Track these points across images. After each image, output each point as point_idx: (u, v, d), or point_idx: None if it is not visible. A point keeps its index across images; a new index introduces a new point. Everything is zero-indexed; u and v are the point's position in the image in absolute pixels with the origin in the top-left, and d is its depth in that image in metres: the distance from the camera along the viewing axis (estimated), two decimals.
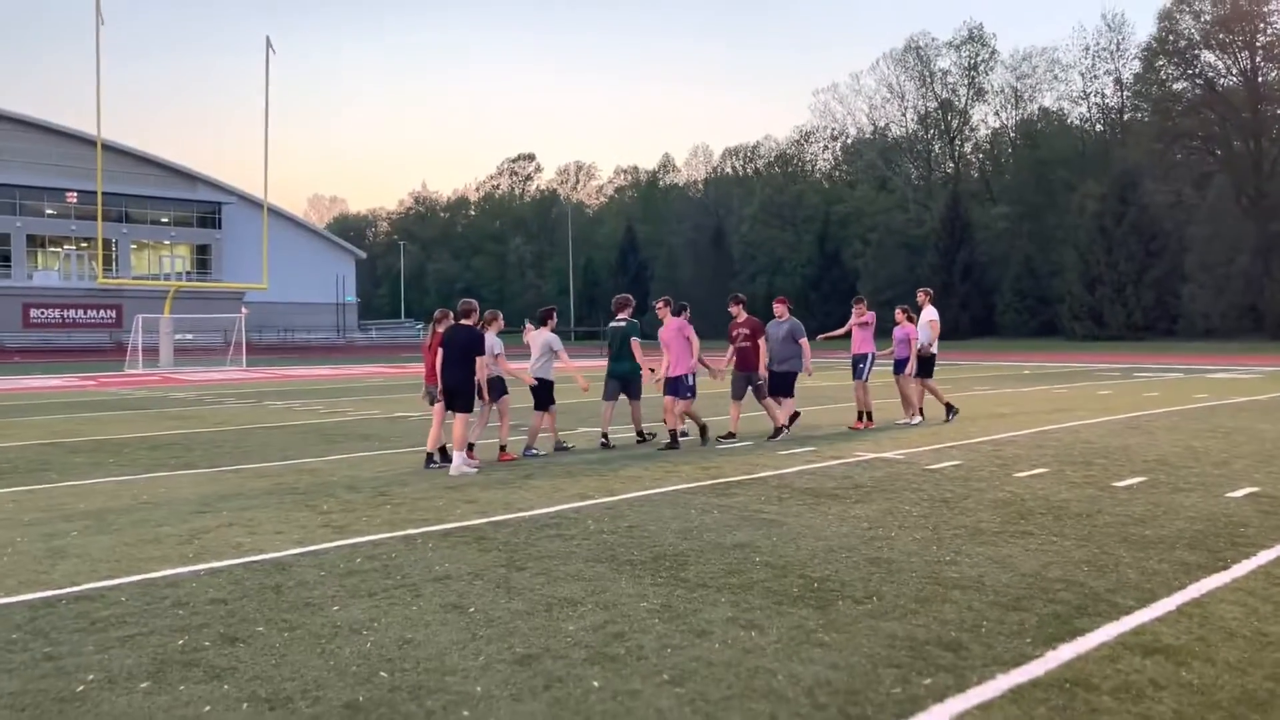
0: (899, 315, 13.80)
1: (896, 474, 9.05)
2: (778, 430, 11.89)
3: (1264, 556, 5.79)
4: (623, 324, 11.59)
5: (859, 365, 13.36)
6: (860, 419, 13.09)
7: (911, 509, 7.36)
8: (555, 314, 11.38)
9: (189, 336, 47.76)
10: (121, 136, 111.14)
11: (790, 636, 4.42)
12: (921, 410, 13.83)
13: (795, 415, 12.37)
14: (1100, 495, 7.83)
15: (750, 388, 11.95)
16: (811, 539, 6.39)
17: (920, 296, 14.60)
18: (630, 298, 12.01)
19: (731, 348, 12.00)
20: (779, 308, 12.53)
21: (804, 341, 12.14)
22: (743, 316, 11.99)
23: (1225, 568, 5.56)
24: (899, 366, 13.70)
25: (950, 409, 13.86)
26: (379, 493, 8.32)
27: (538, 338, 10.99)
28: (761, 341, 11.86)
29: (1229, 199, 55.41)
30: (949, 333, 67.24)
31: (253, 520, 7.17)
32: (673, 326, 11.29)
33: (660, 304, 11.75)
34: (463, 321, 9.72)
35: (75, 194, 67.21)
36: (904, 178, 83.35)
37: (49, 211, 69.29)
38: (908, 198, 79.32)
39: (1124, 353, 41.25)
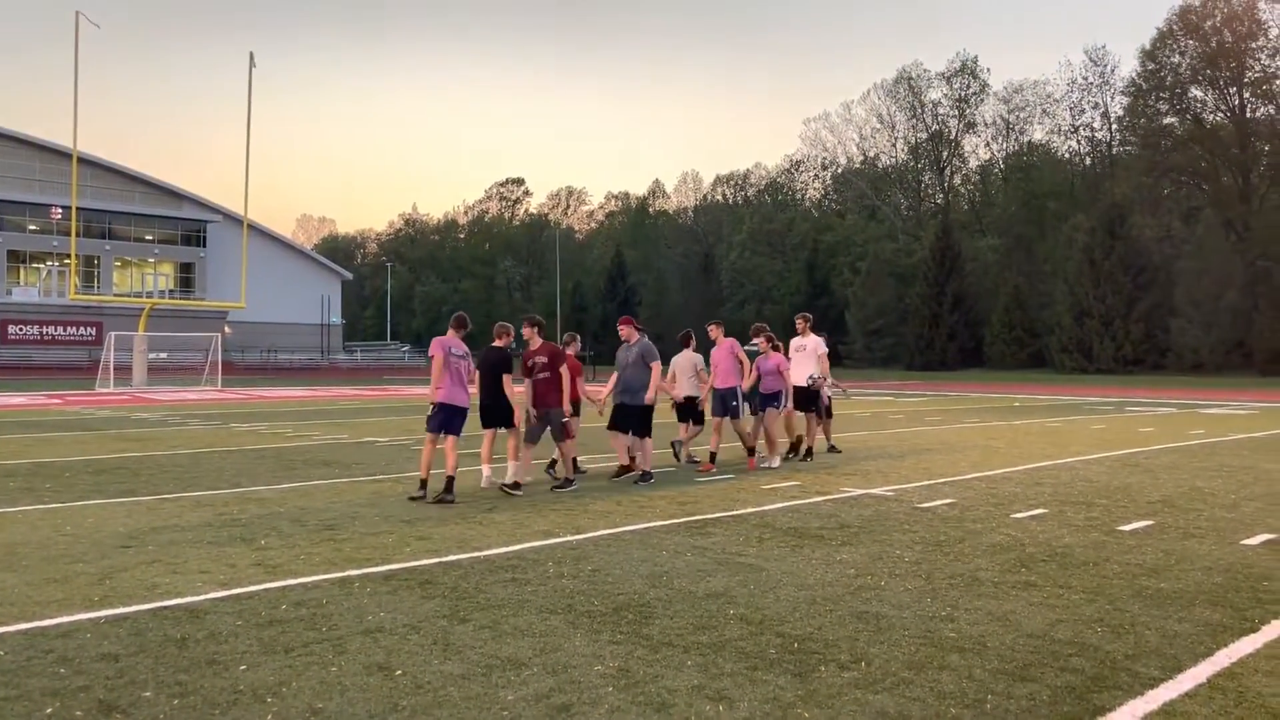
0: (763, 344, 12.10)
1: (886, 513, 8.44)
2: (566, 481, 9.87)
3: None
4: (751, 349, 12.31)
5: (731, 402, 11.43)
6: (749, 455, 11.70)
7: (903, 553, 6.75)
8: (692, 336, 11.74)
9: (163, 355, 46.88)
10: (109, 153, 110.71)
11: (764, 712, 3.79)
12: (808, 448, 12.57)
13: (646, 474, 10.37)
14: (1106, 540, 7.24)
15: (549, 427, 9.85)
16: (793, 588, 5.76)
17: (800, 324, 13.19)
18: (766, 326, 12.53)
19: (528, 381, 9.99)
20: (624, 329, 10.75)
21: (656, 366, 10.49)
22: (537, 342, 10.00)
23: (1254, 629, 4.96)
24: (768, 401, 11.91)
25: (808, 452, 12.51)
26: (326, 526, 7.66)
27: (683, 359, 11.61)
28: (563, 371, 9.84)
29: (1217, 234, 55.28)
30: (938, 363, 67.04)
31: (178, 557, 6.50)
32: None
33: (453, 323, 9.75)
34: (494, 344, 9.96)
35: (59, 210, 66.38)
36: (893, 207, 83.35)
37: (31, 227, 68.43)
38: (897, 227, 79.24)
39: (1114, 386, 40.84)
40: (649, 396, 10.43)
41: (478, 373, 9.80)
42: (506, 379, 9.73)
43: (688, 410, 11.77)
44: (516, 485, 9.53)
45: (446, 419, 9.29)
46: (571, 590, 5.67)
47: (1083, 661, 4.43)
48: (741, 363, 11.64)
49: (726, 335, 11.88)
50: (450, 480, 9.03)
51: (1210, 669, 4.34)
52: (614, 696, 3.95)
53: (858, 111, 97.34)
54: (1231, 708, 3.87)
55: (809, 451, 12.58)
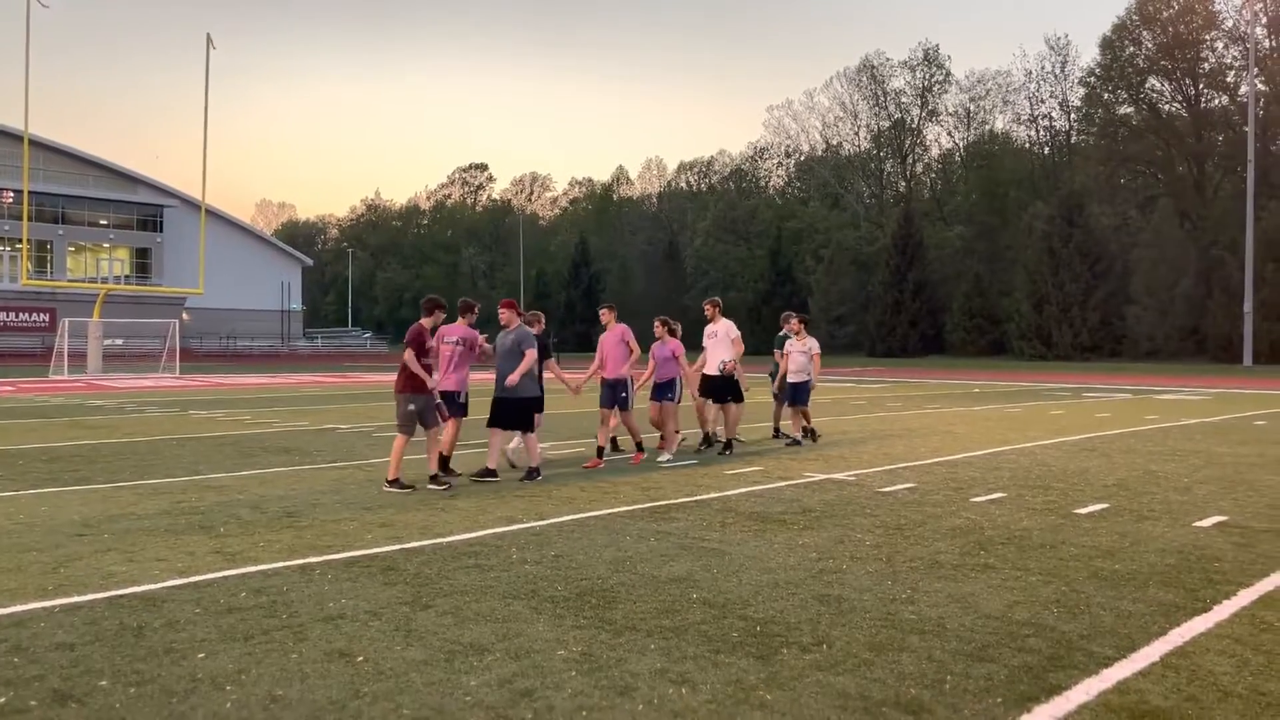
0: (658, 329, 11.34)
1: (848, 497, 8.51)
2: (437, 478, 9.00)
3: (1245, 597, 5.31)
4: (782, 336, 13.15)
5: (620, 393, 10.76)
6: (600, 453, 10.71)
7: (864, 537, 6.81)
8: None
9: (119, 341, 46.11)
10: (62, 136, 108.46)
11: (726, 694, 3.81)
12: (722, 439, 11.90)
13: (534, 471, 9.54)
14: (1063, 523, 7.35)
15: (417, 412, 9.03)
16: (756, 572, 5.80)
17: (709, 309, 12.16)
18: (794, 314, 13.34)
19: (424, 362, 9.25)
20: (504, 313, 9.82)
21: (530, 353, 9.43)
22: (427, 322, 9.31)
23: (1205, 609, 5.06)
24: (659, 392, 11.19)
25: (711, 441, 11.90)
26: (286, 513, 7.59)
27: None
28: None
29: (1172, 222, 56.18)
30: (899, 350, 67.57)
31: (135, 545, 6.41)
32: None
33: (459, 308, 9.84)
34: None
35: (11, 194, 65.06)
36: (856, 195, 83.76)
37: None
38: (860, 215, 79.70)
39: (1071, 373, 41.43)
40: (511, 379, 9.34)
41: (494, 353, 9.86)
42: (550, 363, 10.48)
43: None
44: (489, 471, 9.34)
45: (446, 405, 9.61)
46: (534, 576, 5.66)
47: (1040, 642, 4.50)
48: (632, 351, 10.87)
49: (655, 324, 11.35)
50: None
51: (1164, 648, 4.42)
52: (577, 680, 3.95)
53: (821, 99, 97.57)
54: (1184, 685, 3.95)
55: (728, 444, 11.76)
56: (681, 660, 4.21)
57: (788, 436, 12.99)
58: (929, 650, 4.36)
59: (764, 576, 5.68)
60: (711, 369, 11.89)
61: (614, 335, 10.94)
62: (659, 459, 10.89)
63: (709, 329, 12.08)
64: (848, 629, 4.67)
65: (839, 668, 4.13)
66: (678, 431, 11.49)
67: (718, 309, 12.21)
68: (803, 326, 13.25)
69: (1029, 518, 7.57)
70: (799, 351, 12.98)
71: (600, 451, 10.70)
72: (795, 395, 12.80)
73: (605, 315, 11.16)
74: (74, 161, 70.65)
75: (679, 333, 11.64)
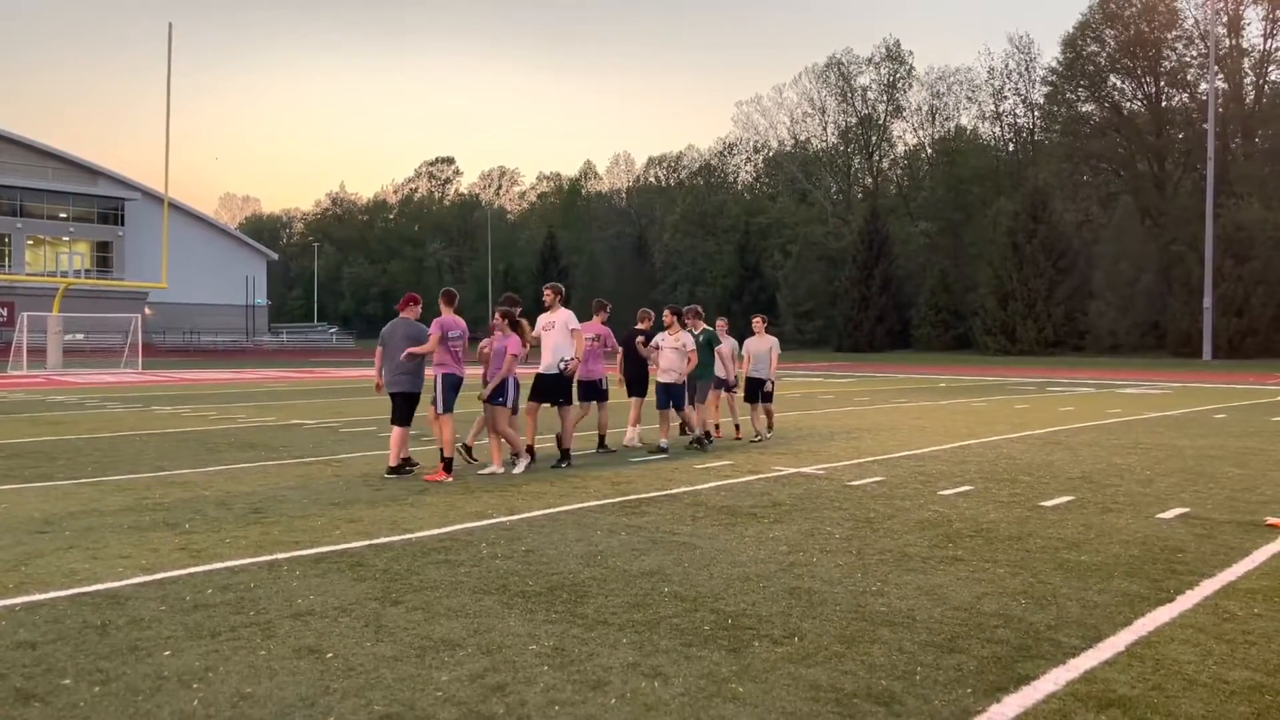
0: (498, 318, 9.77)
1: (817, 491, 8.55)
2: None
3: (1207, 587, 5.39)
4: (702, 335, 12.14)
5: (448, 393, 9.44)
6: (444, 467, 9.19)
7: (834, 530, 6.85)
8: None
9: (79, 336, 45.39)
10: (18, 128, 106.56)
11: (699, 688, 3.81)
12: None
13: (407, 462, 9.38)
14: (1029, 516, 7.43)
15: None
16: (726, 565, 5.81)
17: (548, 295, 10.52)
18: (700, 309, 12.36)
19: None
20: (408, 306, 9.67)
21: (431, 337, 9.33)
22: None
23: (1169, 599, 5.13)
24: (493, 394, 9.48)
25: (531, 453, 9.97)
26: (253, 509, 7.51)
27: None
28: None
29: (1133, 219, 56.94)
30: (866, 345, 67.92)
31: (98, 542, 6.31)
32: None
33: (442, 299, 9.81)
34: (637, 326, 12.15)
35: None
36: (824, 191, 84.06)
37: None
38: (827, 211, 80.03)
39: (1036, 367, 41.91)
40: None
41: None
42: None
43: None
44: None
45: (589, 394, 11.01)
46: (505, 571, 5.64)
47: (1008, 632, 4.54)
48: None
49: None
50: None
51: (1129, 638, 4.48)
52: (549, 675, 3.94)
53: (789, 95, 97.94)
54: (1149, 674, 4.00)
55: (565, 453, 10.23)
56: (653, 654, 4.21)
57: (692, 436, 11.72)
58: (899, 642, 4.39)
59: (735, 570, 5.69)
60: (547, 366, 10.27)
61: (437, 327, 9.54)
62: (483, 470, 9.65)
63: (545, 318, 10.42)
64: (819, 621, 4.69)
65: (810, 660, 4.14)
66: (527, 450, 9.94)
67: (558, 296, 10.52)
68: (675, 319, 11.55)
69: (996, 510, 7.64)
70: (670, 348, 11.36)
71: (464, 451, 9.80)
72: (664, 397, 11.28)
73: (442, 303, 9.70)
74: (32, 153, 69.32)
75: (525, 326, 10.06)
